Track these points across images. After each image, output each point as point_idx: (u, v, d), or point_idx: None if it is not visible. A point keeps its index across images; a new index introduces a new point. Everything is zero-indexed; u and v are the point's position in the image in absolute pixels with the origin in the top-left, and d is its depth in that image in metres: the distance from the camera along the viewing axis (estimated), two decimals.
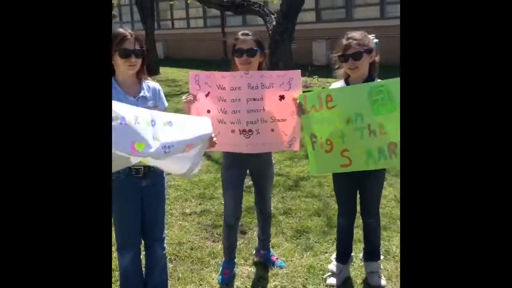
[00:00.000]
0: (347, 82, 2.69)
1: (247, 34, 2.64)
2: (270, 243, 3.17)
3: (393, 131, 2.53)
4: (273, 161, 2.94)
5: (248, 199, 2.94)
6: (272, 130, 2.66)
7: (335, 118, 2.57)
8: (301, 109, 2.61)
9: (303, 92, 2.65)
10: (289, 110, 2.63)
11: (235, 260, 3.06)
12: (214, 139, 2.40)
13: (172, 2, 17.60)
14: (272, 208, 3.01)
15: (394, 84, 2.55)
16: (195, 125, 2.28)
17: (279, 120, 2.65)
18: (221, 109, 2.60)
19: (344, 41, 2.59)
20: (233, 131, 2.62)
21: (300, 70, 2.64)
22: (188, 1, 11.59)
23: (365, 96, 2.52)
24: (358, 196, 2.86)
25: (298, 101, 2.61)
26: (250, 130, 2.61)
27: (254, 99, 2.57)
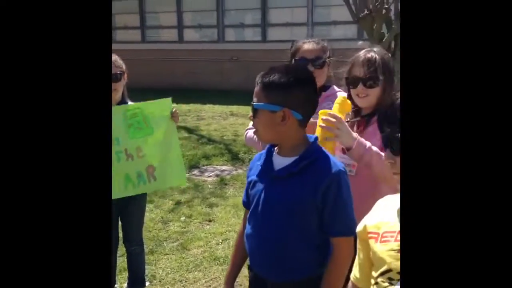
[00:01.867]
0: None
1: None
2: None
3: (151, 154, 2.51)
4: None
5: None
6: None
7: None
8: None
9: None
10: None
11: None
12: None
13: None
14: None
15: (149, 107, 2.53)
16: None
17: None
18: None
19: None
20: None
21: None
22: None
23: (121, 119, 2.44)
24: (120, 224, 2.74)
25: None
26: None
27: None
